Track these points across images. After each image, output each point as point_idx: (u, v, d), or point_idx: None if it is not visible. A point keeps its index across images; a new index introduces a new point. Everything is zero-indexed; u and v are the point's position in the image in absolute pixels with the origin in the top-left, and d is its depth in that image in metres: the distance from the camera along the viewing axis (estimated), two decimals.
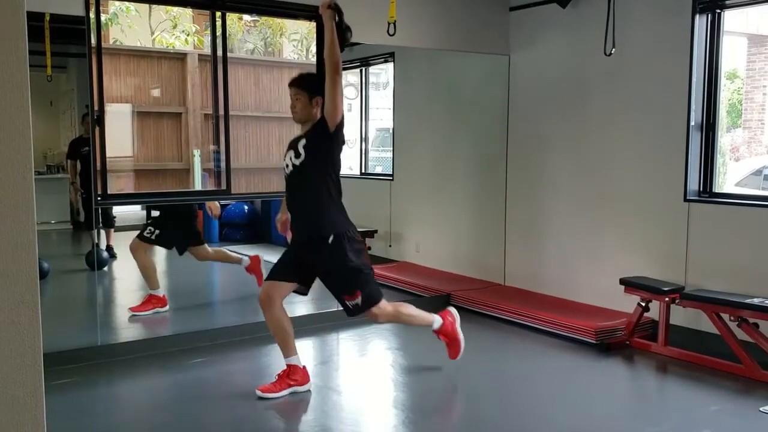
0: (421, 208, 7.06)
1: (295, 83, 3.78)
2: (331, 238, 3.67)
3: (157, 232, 5.43)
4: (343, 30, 3.61)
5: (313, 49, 5.25)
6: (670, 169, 4.80)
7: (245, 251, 8.21)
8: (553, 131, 5.66)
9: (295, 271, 3.82)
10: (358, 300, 3.74)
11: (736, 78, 6.29)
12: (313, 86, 3.73)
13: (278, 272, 3.85)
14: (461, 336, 4.22)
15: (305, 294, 3.97)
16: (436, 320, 4.15)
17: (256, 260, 5.89)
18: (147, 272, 5.44)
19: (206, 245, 5.77)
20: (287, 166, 3.78)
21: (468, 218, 6.59)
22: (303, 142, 3.72)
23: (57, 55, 5.47)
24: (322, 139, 3.67)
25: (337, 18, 3.59)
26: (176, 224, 5.54)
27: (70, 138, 7.41)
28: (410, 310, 4.06)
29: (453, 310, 4.32)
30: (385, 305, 3.87)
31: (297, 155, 3.71)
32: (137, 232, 5.52)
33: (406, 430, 3.50)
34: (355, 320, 4.03)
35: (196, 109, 5.54)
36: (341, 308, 3.93)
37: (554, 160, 5.67)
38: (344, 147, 3.83)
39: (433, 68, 6.87)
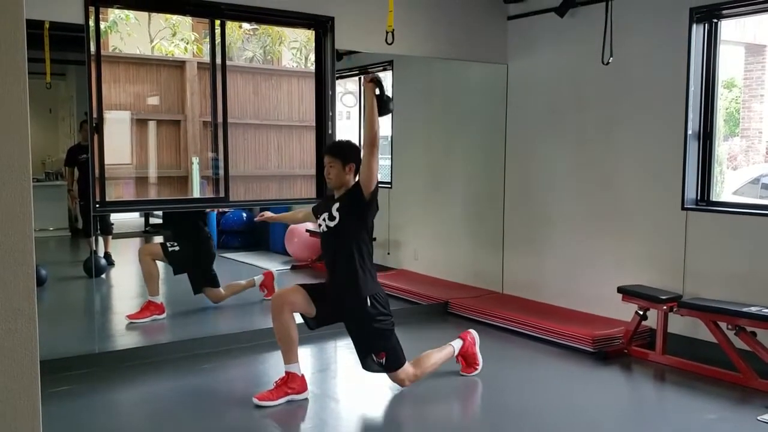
0: (419, 216, 7.07)
1: (329, 152, 3.95)
2: (362, 302, 3.77)
3: (176, 248, 5.53)
4: (384, 101, 3.76)
5: (312, 57, 5.27)
6: (667, 177, 4.81)
7: (244, 258, 8.24)
8: (551, 140, 5.67)
9: (323, 303, 3.85)
10: (383, 360, 3.87)
11: (734, 87, 6.30)
12: (346, 154, 3.88)
13: (312, 288, 3.88)
14: (480, 359, 4.29)
15: (312, 329, 3.99)
16: (456, 344, 4.22)
17: (269, 276, 6.03)
18: (150, 278, 5.48)
19: (221, 288, 5.83)
20: (320, 226, 3.91)
21: (466, 226, 6.60)
22: (337, 205, 3.83)
23: (56, 62, 5.47)
24: (357, 206, 3.78)
25: (377, 91, 3.72)
26: (196, 259, 5.64)
27: (69, 145, 7.40)
28: (431, 359, 4.09)
29: (474, 332, 4.36)
30: (407, 368, 3.94)
31: (331, 218, 3.82)
32: (136, 239, 5.53)
33: None
34: None
35: (194, 116, 5.55)
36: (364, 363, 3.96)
37: (552, 169, 5.68)
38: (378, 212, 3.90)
39: (432, 76, 6.88)
